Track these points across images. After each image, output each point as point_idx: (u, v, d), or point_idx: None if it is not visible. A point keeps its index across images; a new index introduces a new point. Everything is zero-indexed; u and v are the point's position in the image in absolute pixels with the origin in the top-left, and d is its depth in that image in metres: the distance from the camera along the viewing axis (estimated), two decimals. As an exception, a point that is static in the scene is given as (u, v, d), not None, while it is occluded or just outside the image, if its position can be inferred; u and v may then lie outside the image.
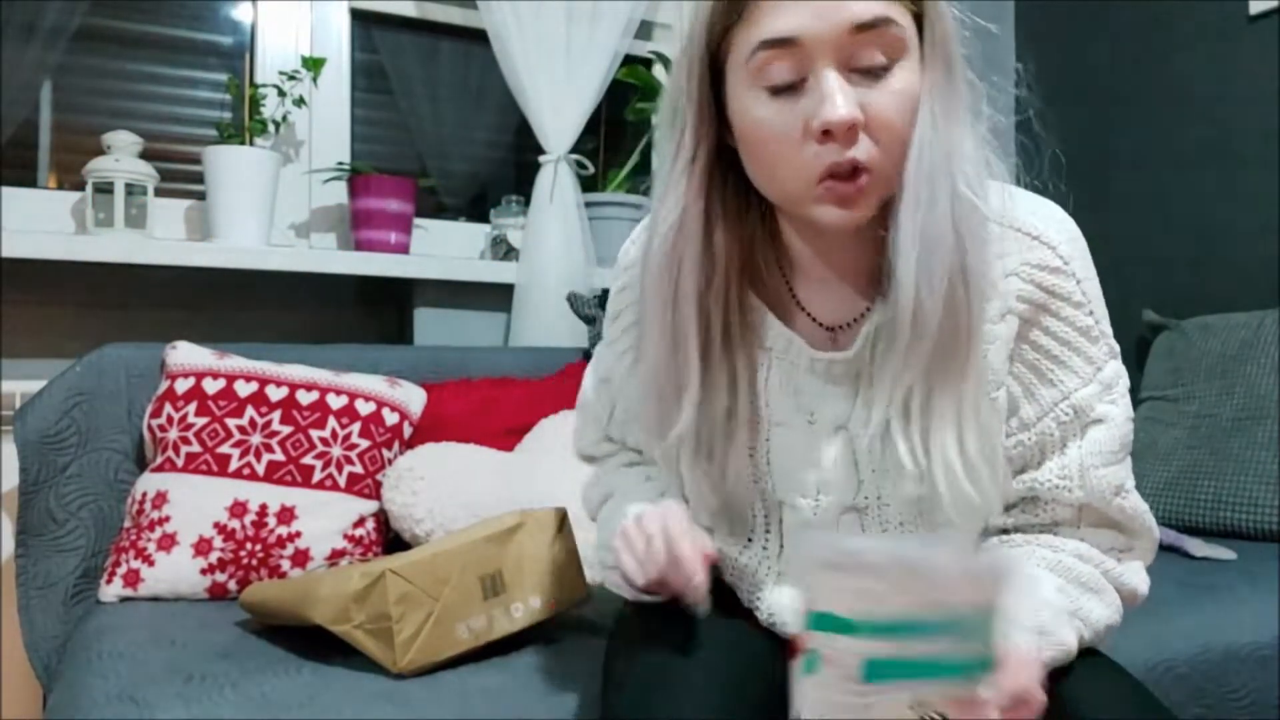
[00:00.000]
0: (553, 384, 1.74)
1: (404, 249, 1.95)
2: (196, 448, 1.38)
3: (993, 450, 0.76)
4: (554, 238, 1.98)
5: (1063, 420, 0.77)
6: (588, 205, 2.08)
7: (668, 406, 0.79)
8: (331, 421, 1.45)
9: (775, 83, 0.69)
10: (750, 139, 0.72)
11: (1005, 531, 0.82)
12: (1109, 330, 0.79)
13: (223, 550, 1.33)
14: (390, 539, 1.45)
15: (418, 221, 2.01)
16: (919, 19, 0.70)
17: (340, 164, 1.97)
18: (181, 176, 1.88)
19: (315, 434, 1.43)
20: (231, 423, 1.40)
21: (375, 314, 2.03)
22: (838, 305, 0.82)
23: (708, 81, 0.73)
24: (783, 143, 0.70)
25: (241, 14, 2.00)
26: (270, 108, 1.86)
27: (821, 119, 0.67)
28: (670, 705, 0.71)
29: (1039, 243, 0.76)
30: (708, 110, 0.74)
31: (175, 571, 1.31)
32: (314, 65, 1.88)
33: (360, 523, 1.42)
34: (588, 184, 2.10)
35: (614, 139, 2.28)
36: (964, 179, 0.70)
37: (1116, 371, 0.79)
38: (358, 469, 1.44)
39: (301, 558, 1.36)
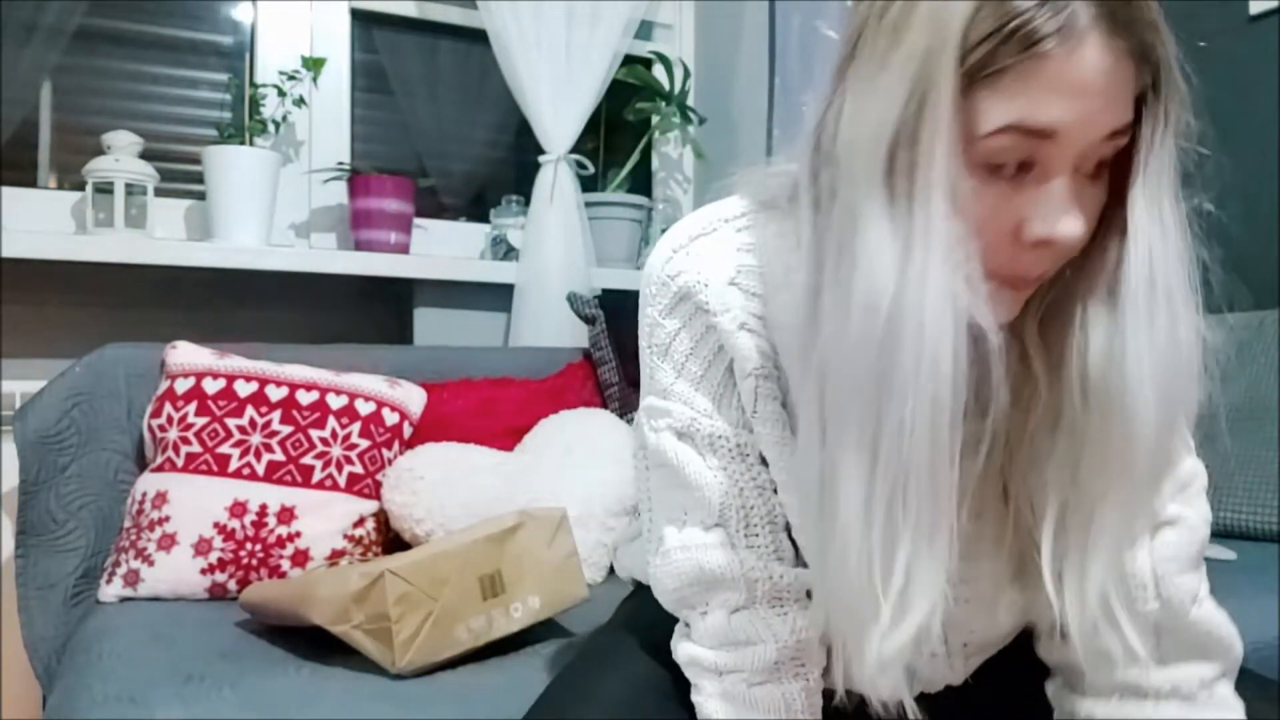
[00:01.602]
0: (553, 384, 1.74)
1: (404, 249, 1.95)
2: (196, 448, 1.38)
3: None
4: (554, 238, 1.98)
5: None
6: (588, 205, 2.08)
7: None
8: (331, 421, 1.45)
9: (1000, 163, 0.57)
10: None
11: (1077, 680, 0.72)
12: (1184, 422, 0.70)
13: (223, 550, 1.33)
14: (390, 539, 1.45)
15: (418, 221, 2.01)
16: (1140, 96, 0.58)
17: (340, 164, 1.97)
18: (181, 176, 1.89)
19: (315, 434, 1.43)
20: (231, 423, 1.40)
21: (375, 314, 2.03)
22: None
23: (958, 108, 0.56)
24: (984, 237, 0.57)
25: (241, 14, 2.00)
26: (270, 108, 1.86)
27: (1050, 232, 0.57)
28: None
29: None
30: (960, 147, 0.56)
31: (175, 571, 1.31)
32: (314, 65, 1.88)
33: (360, 523, 1.41)
34: (588, 184, 2.10)
35: (614, 139, 2.28)
36: (1192, 285, 0.60)
37: (1193, 470, 0.71)
38: (358, 469, 1.44)
39: (301, 558, 1.36)
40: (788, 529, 0.73)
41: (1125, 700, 0.69)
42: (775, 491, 0.72)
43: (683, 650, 0.74)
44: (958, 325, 0.55)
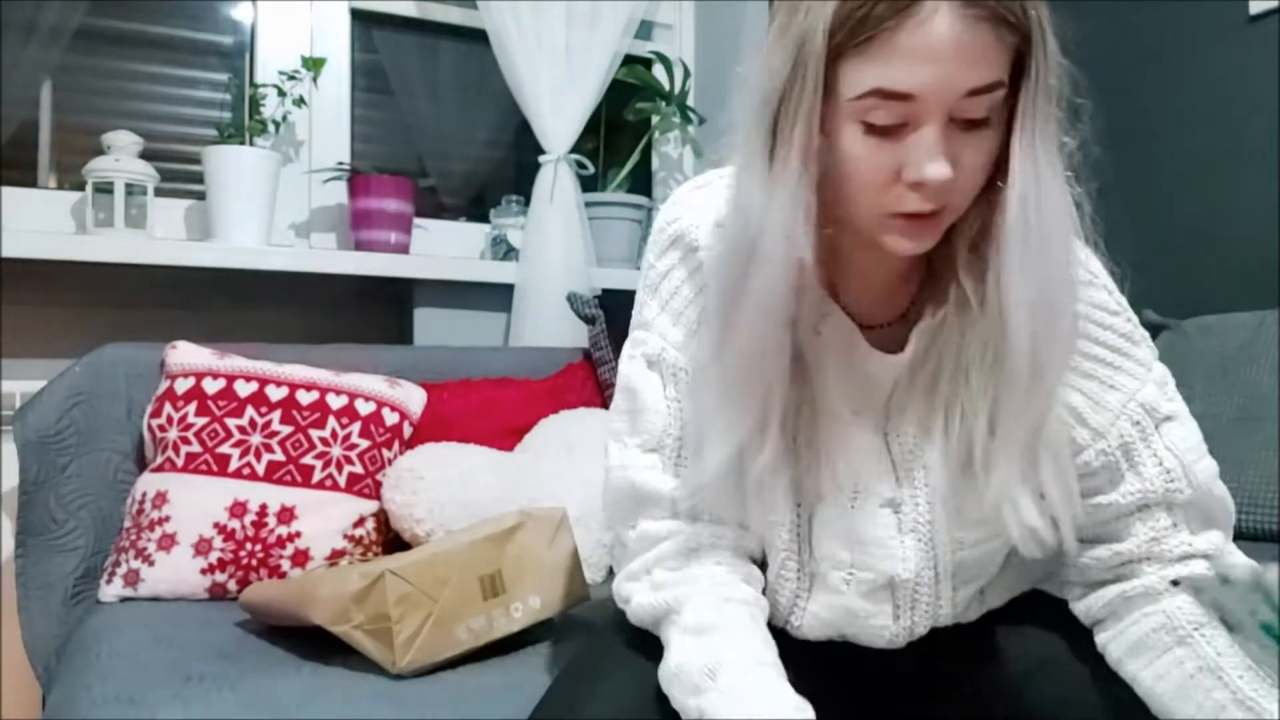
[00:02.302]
0: (553, 384, 1.74)
1: (404, 249, 1.95)
2: (196, 448, 1.38)
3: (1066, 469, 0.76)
4: (554, 238, 1.98)
5: (1136, 420, 0.77)
6: (588, 205, 2.08)
7: (755, 401, 0.73)
8: (331, 421, 1.45)
9: (876, 123, 0.66)
10: (836, 165, 0.69)
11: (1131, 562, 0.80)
12: (1145, 333, 0.80)
13: (223, 550, 1.33)
14: (390, 539, 1.45)
15: (418, 221, 2.01)
16: (1019, 56, 0.67)
17: (340, 164, 1.97)
18: (181, 176, 1.88)
19: (315, 434, 1.43)
20: (231, 423, 1.40)
21: (375, 314, 2.03)
22: (877, 302, 0.80)
23: (823, 84, 0.66)
24: (870, 180, 0.68)
25: (241, 14, 2.00)
26: (270, 108, 1.86)
27: (920, 176, 0.66)
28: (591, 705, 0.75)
29: None
30: (818, 112, 0.67)
31: (175, 571, 1.31)
32: (314, 65, 1.87)
33: (360, 523, 1.42)
34: (588, 184, 2.10)
35: (614, 139, 2.28)
36: (1070, 226, 0.70)
37: (1164, 371, 0.80)
38: (358, 469, 1.44)
39: (301, 558, 1.36)
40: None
41: (1187, 562, 0.78)
42: None
43: (617, 582, 0.82)
44: (789, 257, 0.68)
